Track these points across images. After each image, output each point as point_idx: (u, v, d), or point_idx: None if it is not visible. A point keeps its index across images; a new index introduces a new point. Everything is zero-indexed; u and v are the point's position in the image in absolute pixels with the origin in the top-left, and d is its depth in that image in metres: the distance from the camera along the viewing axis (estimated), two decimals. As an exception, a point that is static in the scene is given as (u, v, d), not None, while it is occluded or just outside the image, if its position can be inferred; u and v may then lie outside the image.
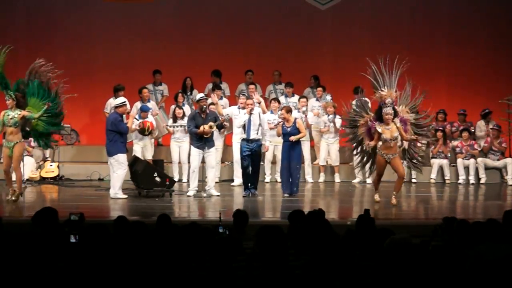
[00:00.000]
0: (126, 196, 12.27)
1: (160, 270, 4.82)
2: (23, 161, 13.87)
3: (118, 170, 12.20)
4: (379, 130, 11.42)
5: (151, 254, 5.08)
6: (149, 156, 14.42)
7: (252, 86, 15.17)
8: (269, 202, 12.38)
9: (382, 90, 11.55)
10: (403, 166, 11.87)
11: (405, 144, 11.91)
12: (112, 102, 14.56)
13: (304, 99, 14.68)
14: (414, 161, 12.17)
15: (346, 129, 12.60)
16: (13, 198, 11.72)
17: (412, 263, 4.54)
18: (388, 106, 11.46)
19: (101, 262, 4.79)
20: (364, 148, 12.00)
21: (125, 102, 12.61)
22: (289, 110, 12.78)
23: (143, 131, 13.56)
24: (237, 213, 7.12)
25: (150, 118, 14.35)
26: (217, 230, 6.44)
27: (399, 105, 11.75)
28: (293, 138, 12.45)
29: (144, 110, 14.19)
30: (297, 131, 12.60)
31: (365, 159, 12.15)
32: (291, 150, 12.67)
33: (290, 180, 12.65)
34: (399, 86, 11.80)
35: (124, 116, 12.63)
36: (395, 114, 11.54)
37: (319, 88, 15.39)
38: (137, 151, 14.30)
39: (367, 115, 11.79)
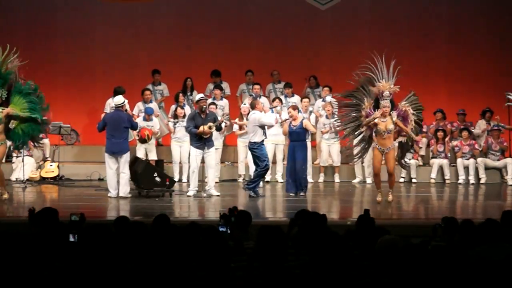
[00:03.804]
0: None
1: (159, 271, 4.82)
2: (23, 161, 13.95)
3: (126, 168, 12.28)
4: (376, 121, 11.45)
5: (149, 255, 5.08)
6: (153, 156, 14.49)
7: (257, 86, 15.18)
8: (269, 202, 12.37)
9: (380, 82, 11.55)
10: (395, 163, 11.83)
11: (402, 138, 11.84)
12: (112, 102, 14.60)
13: (307, 100, 14.67)
14: (404, 160, 12.18)
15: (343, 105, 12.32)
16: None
17: (403, 262, 4.54)
18: (386, 99, 11.47)
19: (101, 262, 4.79)
20: (363, 134, 11.89)
21: (125, 102, 12.60)
22: (295, 108, 12.85)
23: (144, 141, 13.59)
24: (240, 213, 7.11)
25: (154, 120, 14.42)
26: (218, 229, 6.46)
27: (403, 100, 11.73)
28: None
29: (148, 113, 14.31)
30: (302, 130, 12.59)
31: (363, 144, 12.01)
32: (296, 149, 12.68)
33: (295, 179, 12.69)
34: (400, 86, 11.80)
35: None
36: (392, 107, 11.54)
37: (326, 88, 15.32)
38: (140, 151, 14.33)
39: (367, 103, 11.72)
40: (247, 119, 14.24)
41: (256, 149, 12.49)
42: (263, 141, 12.58)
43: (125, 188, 12.32)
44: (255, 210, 11.30)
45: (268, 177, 14.66)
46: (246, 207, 11.24)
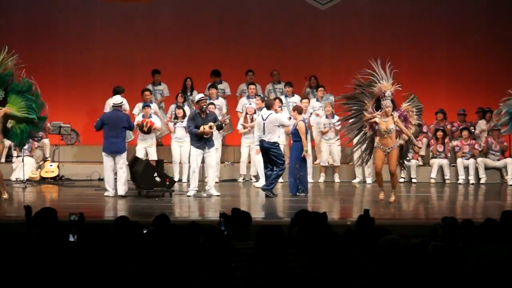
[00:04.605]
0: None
1: (159, 271, 4.82)
2: (23, 161, 13.95)
3: (124, 167, 12.39)
4: (377, 121, 11.45)
5: (149, 255, 5.08)
6: (154, 156, 14.51)
7: (252, 87, 15.19)
8: (270, 202, 12.35)
9: (381, 83, 11.55)
10: (397, 163, 11.87)
11: (401, 140, 11.88)
12: (111, 102, 14.63)
13: (306, 100, 14.66)
14: (403, 160, 12.20)
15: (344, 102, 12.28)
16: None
17: (405, 262, 4.54)
18: (387, 99, 11.47)
19: (101, 262, 4.79)
20: (365, 133, 11.91)
21: (123, 102, 12.92)
22: (295, 109, 12.98)
23: (142, 127, 13.70)
24: (240, 213, 7.10)
25: (155, 118, 14.48)
26: (219, 227, 6.53)
27: (405, 102, 11.75)
28: (304, 154, 12.62)
29: (144, 106, 14.41)
30: (296, 132, 12.72)
31: (365, 146, 12.02)
32: (292, 150, 12.90)
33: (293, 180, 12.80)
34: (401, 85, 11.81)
35: None
36: (394, 107, 11.56)
37: (320, 89, 15.34)
38: (140, 151, 14.36)
39: (369, 103, 11.73)
40: (251, 119, 14.26)
41: (275, 148, 12.60)
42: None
43: (123, 187, 12.39)
44: (256, 210, 11.31)
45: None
46: (247, 207, 11.25)
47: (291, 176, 12.78)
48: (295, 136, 12.83)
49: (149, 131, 14.12)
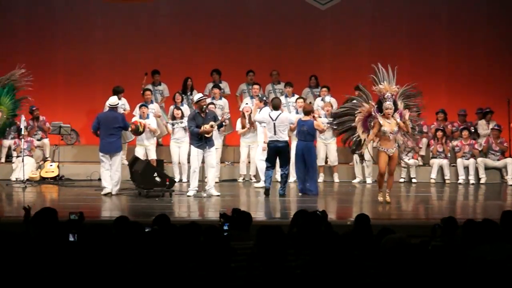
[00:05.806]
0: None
1: (159, 271, 4.82)
2: (23, 161, 13.96)
3: (119, 166, 12.54)
4: (381, 122, 11.43)
5: (149, 255, 5.08)
6: (153, 156, 14.52)
7: (256, 86, 15.18)
8: (270, 202, 12.36)
9: (381, 84, 11.56)
10: (396, 164, 11.89)
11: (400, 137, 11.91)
12: (107, 103, 14.67)
13: (301, 100, 14.65)
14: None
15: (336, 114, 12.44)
16: None
17: (409, 262, 4.54)
18: (388, 101, 11.46)
19: (101, 262, 4.79)
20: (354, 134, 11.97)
21: (119, 103, 13.14)
22: (303, 110, 13.16)
23: (137, 129, 13.71)
24: (240, 213, 7.11)
25: (153, 120, 14.47)
26: (222, 227, 6.57)
27: (398, 99, 11.75)
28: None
29: (141, 106, 14.42)
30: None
31: (357, 141, 12.02)
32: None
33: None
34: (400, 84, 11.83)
35: None
36: (395, 108, 11.55)
37: (324, 89, 15.33)
38: (139, 152, 14.36)
39: (369, 104, 11.74)
40: (249, 119, 14.26)
41: (287, 147, 12.70)
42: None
43: (116, 188, 12.56)
44: (256, 210, 11.32)
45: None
46: (247, 207, 11.25)
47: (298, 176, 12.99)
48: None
49: (143, 129, 14.09)
